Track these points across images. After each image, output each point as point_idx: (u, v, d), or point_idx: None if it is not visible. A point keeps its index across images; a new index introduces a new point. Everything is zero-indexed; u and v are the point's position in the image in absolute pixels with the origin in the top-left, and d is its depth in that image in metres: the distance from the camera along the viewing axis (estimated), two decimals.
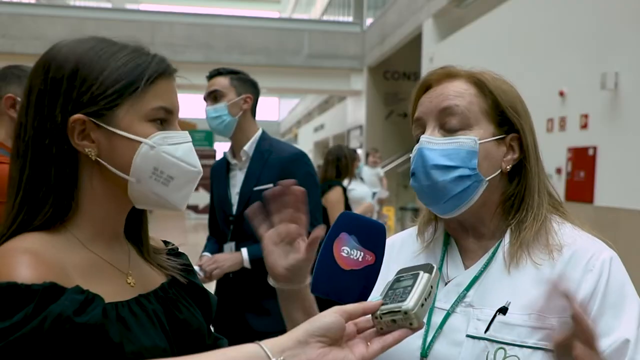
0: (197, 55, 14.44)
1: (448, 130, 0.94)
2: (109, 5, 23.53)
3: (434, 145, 0.93)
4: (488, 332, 0.87)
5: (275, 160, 2.17)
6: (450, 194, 0.92)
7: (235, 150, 2.28)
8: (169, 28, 14.75)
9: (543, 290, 0.87)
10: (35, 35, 13.15)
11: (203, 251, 2.35)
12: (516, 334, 0.86)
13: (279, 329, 2.31)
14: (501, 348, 0.86)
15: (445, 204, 0.94)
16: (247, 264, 2.12)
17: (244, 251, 2.14)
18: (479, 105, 0.95)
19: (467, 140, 0.92)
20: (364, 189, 5.46)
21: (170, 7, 25.54)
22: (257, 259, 2.10)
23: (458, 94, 0.95)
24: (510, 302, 0.88)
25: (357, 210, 4.45)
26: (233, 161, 2.29)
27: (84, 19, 14.17)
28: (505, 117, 0.96)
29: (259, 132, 2.28)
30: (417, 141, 0.97)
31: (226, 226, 2.26)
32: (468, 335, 0.89)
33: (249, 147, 2.23)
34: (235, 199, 2.23)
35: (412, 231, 1.11)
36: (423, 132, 0.97)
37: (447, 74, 0.99)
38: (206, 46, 14.74)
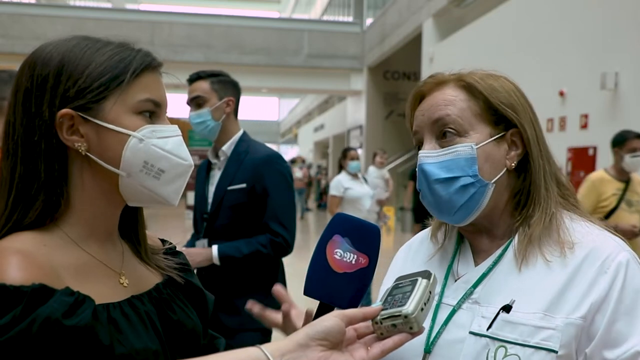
0: (197, 55, 14.46)
1: (444, 141, 0.92)
2: (109, 5, 23.57)
3: (431, 158, 0.92)
4: (490, 330, 0.86)
5: (249, 161, 2.22)
6: (457, 205, 0.90)
7: (216, 150, 2.34)
8: (169, 28, 14.78)
9: (552, 290, 0.86)
10: (35, 35, 13.16)
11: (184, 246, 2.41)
12: (518, 333, 0.84)
13: (251, 327, 2.33)
14: (502, 346, 0.84)
15: (455, 215, 0.92)
16: (216, 261, 2.16)
17: (214, 248, 2.17)
18: (470, 109, 0.93)
19: (464, 147, 0.90)
20: (364, 189, 5.36)
21: (170, 7, 25.61)
22: (227, 257, 2.15)
23: (448, 102, 0.93)
24: (514, 301, 0.87)
25: None
26: (213, 160, 2.35)
27: (84, 19, 14.19)
28: (501, 115, 0.93)
29: (239, 133, 2.31)
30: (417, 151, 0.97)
31: (201, 223, 2.32)
32: (471, 332, 0.88)
33: (227, 147, 2.27)
34: (211, 197, 2.29)
35: (428, 231, 1.10)
36: (421, 146, 0.96)
37: (437, 82, 0.97)
38: (206, 46, 14.76)
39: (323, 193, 17.74)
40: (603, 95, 5.89)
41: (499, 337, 0.85)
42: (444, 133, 0.92)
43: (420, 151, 0.94)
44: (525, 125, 0.93)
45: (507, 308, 0.87)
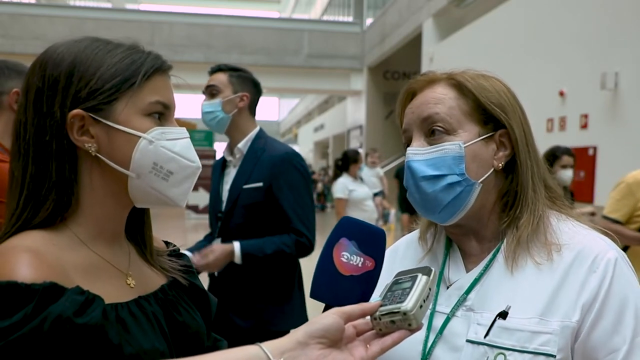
0: (197, 55, 14.46)
1: (433, 139, 0.92)
2: (109, 5, 23.56)
3: (419, 156, 0.92)
4: (487, 337, 0.86)
5: (266, 158, 2.17)
6: (443, 203, 0.90)
7: (231, 148, 2.30)
8: (169, 28, 14.77)
9: (545, 293, 0.86)
10: (35, 35, 13.17)
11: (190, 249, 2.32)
12: (516, 339, 0.84)
13: (265, 329, 2.24)
14: (501, 353, 0.84)
15: (441, 214, 0.92)
16: (238, 259, 2.08)
17: (237, 246, 2.09)
18: (459, 108, 0.93)
19: (452, 146, 0.90)
20: (365, 190, 5.44)
21: (170, 7, 25.59)
22: (249, 255, 2.08)
23: (437, 100, 0.93)
24: (510, 307, 0.87)
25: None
26: (229, 158, 2.30)
27: (84, 19, 14.19)
28: (490, 115, 0.93)
29: (256, 130, 2.27)
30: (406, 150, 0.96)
31: (215, 222, 2.27)
32: (468, 340, 0.87)
33: (243, 144, 2.23)
34: (225, 195, 2.24)
35: (414, 235, 1.10)
36: (410, 144, 0.96)
37: (429, 80, 0.97)
38: (206, 46, 14.76)
39: (321, 194, 17.59)
40: (603, 95, 5.89)
41: (497, 344, 0.85)
42: (433, 131, 0.92)
43: (409, 148, 0.94)
44: (514, 126, 0.93)
45: (503, 314, 0.86)
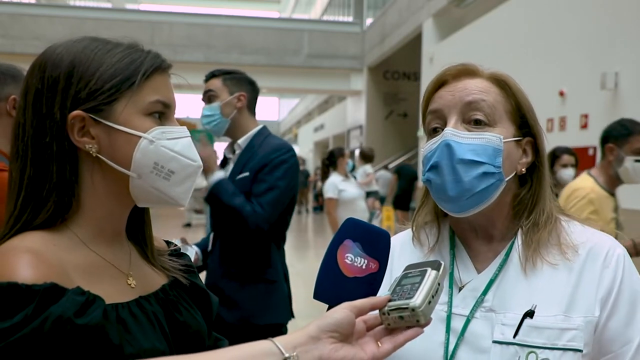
0: (197, 55, 14.45)
1: (473, 126, 0.92)
2: (109, 5, 23.54)
3: (460, 138, 0.90)
4: (517, 337, 0.87)
5: (261, 152, 2.22)
6: (474, 190, 0.90)
7: (232, 146, 2.36)
8: (169, 28, 14.76)
9: (565, 290, 0.89)
10: (35, 35, 13.15)
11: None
12: (546, 337, 0.86)
13: (249, 318, 2.29)
14: (532, 352, 0.85)
15: (466, 201, 0.91)
16: (209, 184, 2.15)
17: (220, 174, 2.17)
18: (503, 104, 0.94)
19: (493, 137, 0.91)
20: (356, 190, 5.43)
21: (170, 7, 25.55)
22: (218, 190, 2.12)
23: (483, 90, 0.93)
24: (536, 305, 0.88)
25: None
26: (229, 155, 2.37)
27: (83, 19, 14.17)
28: (525, 121, 0.96)
29: (257, 128, 2.32)
30: (429, 133, 0.96)
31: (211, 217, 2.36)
32: (495, 341, 0.88)
33: (243, 141, 2.29)
34: None
35: (408, 235, 1.09)
36: (440, 125, 0.94)
37: (467, 71, 0.97)
38: (206, 46, 14.74)
39: (319, 194, 17.49)
40: (603, 95, 5.89)
41: (527, 343, 0.86)
42: (476, 120, 0.92)
43: (448, 128, 0.92)
44: (542, 135, 0.97)
45: (530, 313, 0.88)
